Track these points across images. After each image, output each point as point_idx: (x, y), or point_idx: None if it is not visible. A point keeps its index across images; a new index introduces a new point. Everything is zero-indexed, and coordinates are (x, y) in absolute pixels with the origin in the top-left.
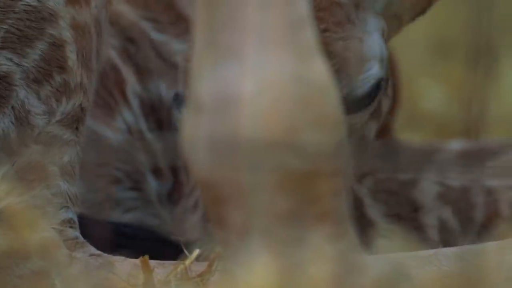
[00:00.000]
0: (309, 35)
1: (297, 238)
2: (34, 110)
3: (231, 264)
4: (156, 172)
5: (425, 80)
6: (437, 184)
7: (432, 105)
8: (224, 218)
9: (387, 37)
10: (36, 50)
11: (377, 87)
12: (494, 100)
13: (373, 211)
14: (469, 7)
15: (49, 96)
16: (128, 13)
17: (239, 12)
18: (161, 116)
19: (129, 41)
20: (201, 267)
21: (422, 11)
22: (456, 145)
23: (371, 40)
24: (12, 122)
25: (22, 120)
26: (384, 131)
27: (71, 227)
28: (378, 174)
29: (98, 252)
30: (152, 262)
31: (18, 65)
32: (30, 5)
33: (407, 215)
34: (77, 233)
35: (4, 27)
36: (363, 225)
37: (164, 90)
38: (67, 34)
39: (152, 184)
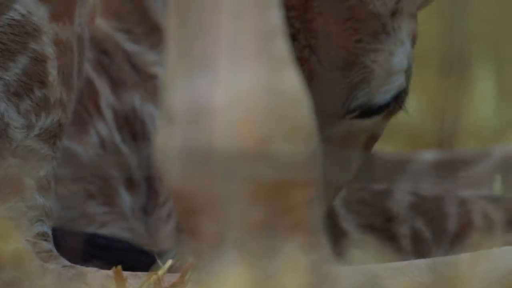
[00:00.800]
0: (282, 45)
1: (270, 248)
2: (13, 124)
3: (204, 274)
4: (130, 184)
5: None
6: (410, 194)
7: (405, 115)
8: (197, 228)
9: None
10: (18, 64)
11: (397, 97)
12: (467, 110)
13: (346, 221)
14: (441, 18)
15: (29, 110)
16: (102, 25)
17: (212, 21)
18: (135, 128)
19: (103, 53)
20: (174, 277)
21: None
22: (429, 155)
23: (402, 51)
24: None
25: (0, 132)
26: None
27: (45, 240)
28: (351, 184)
29: (71, 264)
30: (125, 273)
31: None
32: (14, 19)
33: (380, 226)
34: (51, 246)
35: None
36: (337, 236)
37: (138, 101)
38: (49, 50)
39: (125, 198)
